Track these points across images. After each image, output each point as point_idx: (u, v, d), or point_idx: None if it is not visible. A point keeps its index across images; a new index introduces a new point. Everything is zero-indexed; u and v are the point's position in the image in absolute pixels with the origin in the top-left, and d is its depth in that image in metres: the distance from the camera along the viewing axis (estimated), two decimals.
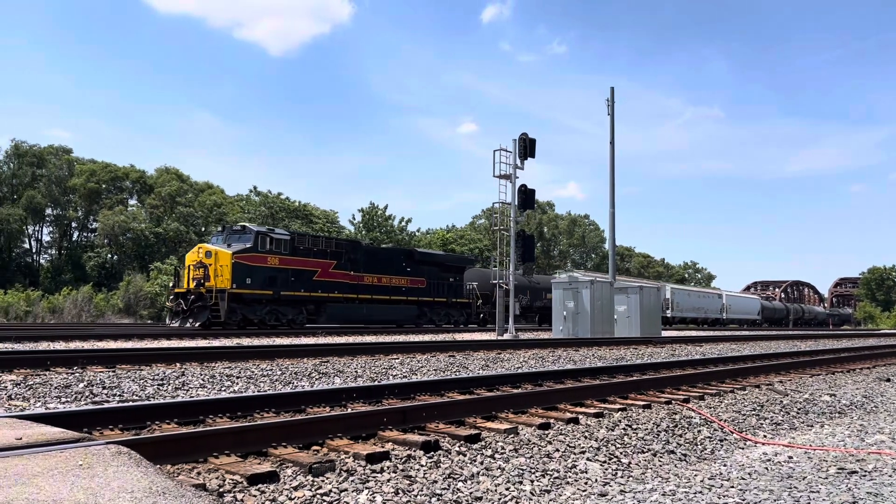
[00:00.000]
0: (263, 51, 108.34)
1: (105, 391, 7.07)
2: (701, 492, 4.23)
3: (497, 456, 4.76)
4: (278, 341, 17.67)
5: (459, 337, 22.94)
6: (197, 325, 23.15)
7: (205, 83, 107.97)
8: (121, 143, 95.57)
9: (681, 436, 6.08)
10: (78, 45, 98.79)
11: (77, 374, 8.36)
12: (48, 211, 57.82)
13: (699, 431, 6.32)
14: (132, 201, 59.51)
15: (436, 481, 4.06)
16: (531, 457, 4.83)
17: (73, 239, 60.40)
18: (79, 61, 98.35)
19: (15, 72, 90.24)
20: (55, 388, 7.17)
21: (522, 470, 4.47)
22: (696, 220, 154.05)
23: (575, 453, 5.08)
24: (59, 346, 13.69)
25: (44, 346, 13.54)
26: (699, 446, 5.84)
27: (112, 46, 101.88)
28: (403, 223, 61.57)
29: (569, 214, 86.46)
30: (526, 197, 24.91)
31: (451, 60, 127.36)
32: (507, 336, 23.54)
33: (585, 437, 5.58)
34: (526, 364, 12.46)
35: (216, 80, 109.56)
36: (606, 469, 4.79)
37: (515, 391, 7.45)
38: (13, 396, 6.57)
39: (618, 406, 6.99)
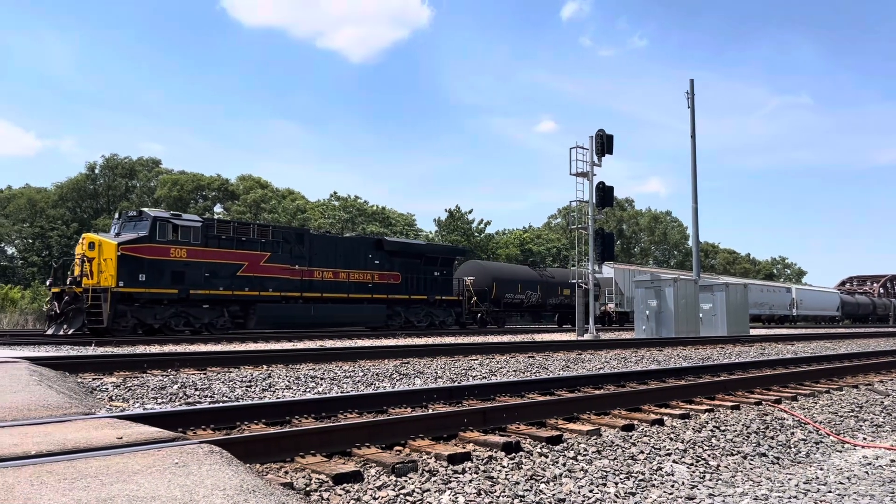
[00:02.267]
0: (344, 59, 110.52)
1: (197, 392, 7.36)
2: (796, 496, 4.06)
3: (580, 457, 4.70)
4: (360, 343, 17.99)
5: (539, 338, 22.78)
6: (70, 331, 18.83)
7: (286, 92, 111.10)
8: (206, 153, 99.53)
9: (772, 438, 5.85)
10: (169, 61, 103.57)
11: (171, 377, 8.74)
12: None
13: (792, 433, 6.07)
14: (217, 209, 61.75)
15: (518, 482, 4.05)
16: (615, 458, 4.75)
17: None
18: (170, 76, 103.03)
19: (112, 88, 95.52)
20: (152, 389, 7.52)
21: (606, 472, 4.40)
22: (784, 213, 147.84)
23: (660, 455, 4.96)
24: (155, 349, 14.34)
25: (140, 349, 14.22)
26: (793, 449, 5.61)
27: (201, 60, 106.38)
28: (482, 225, 61.60)
29: (649, 211, 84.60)
30: (604, 194, 24.50)
31: (527, 59, 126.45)
32: (587, 336, 23.22)
33: (671, 439, 5.44)
34: (608, 365, 12.26)
35: (297, 88, 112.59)
36: (694, 472, 4.66)
37: (597, 392, 7.33)
38: (114, 398, 6.93)
39: (704, 407, 6.79)
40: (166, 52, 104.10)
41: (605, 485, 4.15)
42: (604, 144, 24.20)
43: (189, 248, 21.14)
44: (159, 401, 6.84)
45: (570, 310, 35.45)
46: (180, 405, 6.55)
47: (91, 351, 13.09)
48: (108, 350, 13.51)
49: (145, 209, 22.12)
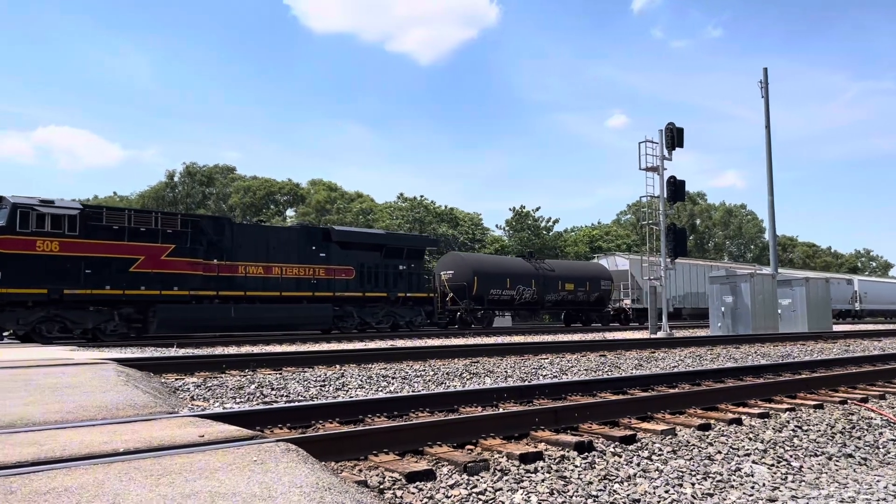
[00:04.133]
0: (414, 61, 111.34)
1: (273, 392, 7.56)
2: (885, 499, 3.88)
3: (654, 457, 4.62)
4: (429, 342, 18.12)
5: (610, 336, 22.45)
6: None
7: (356, 96, 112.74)
8: (279, 158, 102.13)
9: (859, 438, 5.61)
10: (244, 71, 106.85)
11: (249, 376, 9.01)
12: None
13: (881, 433, 5.80)
14: (290, 212, 63.23)
15: (591, 482, 4.00)
16: (691, 459, 4.64)
17: None
18: (244, 85, 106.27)
19: (191, 99, 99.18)
20: (230, 389, 7.77)
21: (682, 472, 4.30)
22: (868, 204, 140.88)
23: (739, 455, 4.82)
24: (233, 350, 14.79)
25: (219, 350, 14.69)
26: (881, 449, 5.36)
27: (274, 69, 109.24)
28: (550, 223, 61.10)
29: (723, 204, 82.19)
30: (675, 189, 23.93)
31: (596, 54, 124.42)
32: (660, 334, 22.74)
33: (750, 439, 5.28)
34: (682, 363, 11.98)
35: (366, 92, 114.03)
36: (775, 473, 4.51)
37: (672, 391, 7.18)
38: (195, 397, 7.19)
39: (785, 406, 6.56)
40: (241, 62, 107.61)
41: (681, 485, 4.06)
42: (674, 138, 23.65)
43: (63, 240, 18.05)
44: (238, 400, 7.05)
45: (576, 307, 33.25)
46: (257, 404, 6.74)
47: (173, 352, 13.61)
48: (190, 351, 14.02)
49: (6, 195, 18.20)
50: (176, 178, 62.37)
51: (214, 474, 2.78)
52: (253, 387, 7.90)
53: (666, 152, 23.77)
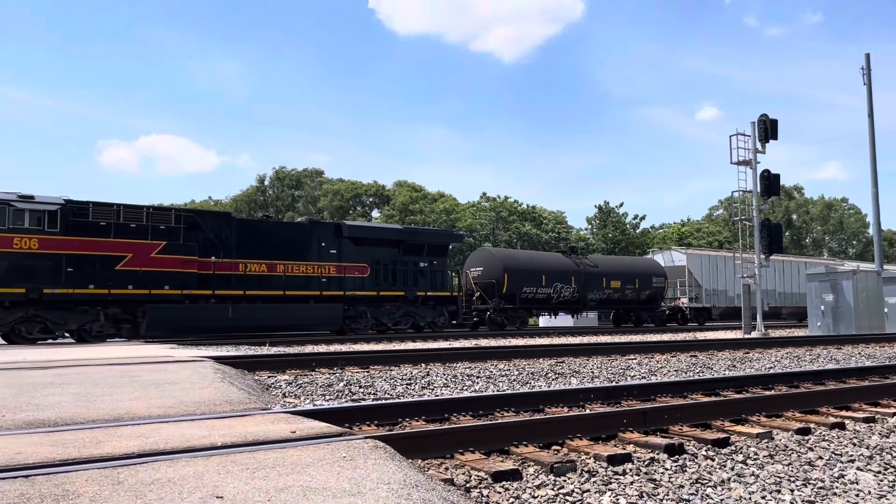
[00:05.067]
0: (497, 60, 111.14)
1: (361, 390, 7.71)
2: None
3: (749, 462, 4.45)
4: (514, 342, 18.06)
5: (702, 336, 21.77)
6: None
7: (439, 97, 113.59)
8: (364, 161, 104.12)
9: None
10: (330, 75, 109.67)
11: (337, 374, 9.22)
12: None
13: None
14: (375, 213, 64.31)
15: (682, 486, 3.89)
16: (789, 464, 4.45)
17: None
18: (331, 89, 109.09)
19: (281, 105, 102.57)
20: (320, 386, 7.98)
21: (780, 477, 4.13)
22: None
23: (842, 461, 4.58)
24: (322, 348, 15.17)
25: (309, 349, 15.10)
26: None
27: (359, 72, 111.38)
28: (637, 220, 59.81)
29: (822, 198, 78.29)
30: (769, 183, 22.96)
31: (685, 45, 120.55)
32: (755, 334, 21.89)
33: (854, 444, 5.01)
34: (778, 364, 11.49)
35: (450, 93, 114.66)
36: (882, 480, 4.26)
37: (767, 393, 6.90)
38: (287, 394, 7.42)
39: (893, 410, 6.20)
40: (328, 67, 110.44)
41: (779, 491, 3.90)
42: (767, 130, 22.69)
43: (42, 237, 17.31)
44: (327, 397, 7.23)
45: (624, 306, 30.99)
46: (346, 402, 6.88)
47: (266, 350, 14.09)
48: (282, 350, 14.47)
49: None
50: (266, 183, 64.51)
51: (306, 469, 2.86)
52: (341, 384, 8.08)
53: (759, 145, 22.86)
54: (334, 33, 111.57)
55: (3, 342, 17.21)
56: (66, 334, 18.14)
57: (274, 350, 14.33)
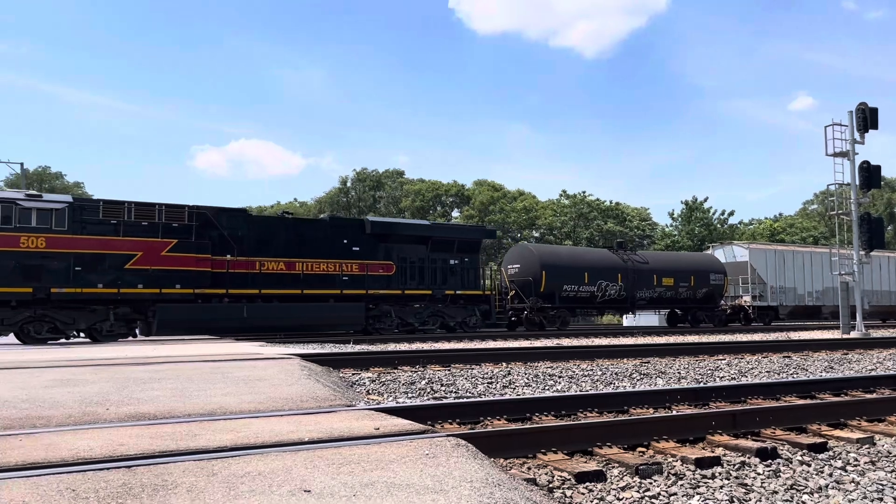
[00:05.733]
0: (579, 55, 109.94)
1: (443, 388, 7.77)
2: None
3: (849, 468, 4.23)
4: (596, 342, 17.79)
5: (795, 336, 20.85)
6: None
7: (519, 95, 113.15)
8: (445, 161, 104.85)
9: None
10: (411, 76, 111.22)
11: (419, 372, 9.31)
12: None
13: None
14: (455, 213, 64.60)
15: (776, 492, 3.74)
16: (893, 471, 4.21)
17: None
18: (413, 90, 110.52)
19: (363, 107, 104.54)
20: (402, 384, 8.08)
21: (882, 485, 3.91)
22: None
23: None
24: (404, 347, 15.36)
25: (392, 347, 15.31)
26: None
27: (440, 72, 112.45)
28: (725, 215, 57.84)
29: None
30: (869, 174, 21.74)
31: (776, 32, 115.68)
32: (854, 334, 20.80)
33: None
34: (881, 366, 10.89)
35: (529, 90, 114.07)
36: None
37: (869, 396, 6.56)
38: (370, 391, 7.55)
39: None
40: (409, 67, 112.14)
41: (881, 500, 3.70)
42: (867, 119, 21.49)
43: (50, 235, 17.19)
44: (409, 395, 7.32)
45: (677, 304, 29.35)
46: (428, 399, 6.95)
47: (350, 349, 14.37)
48: (365, 348, 14.74)
49: None
50: (349, 184, 65.81)
51: (389, 466, 2.90)
52: (423, 382, 8.16)
53: (857, 135, 21.69)
54: (415, 34, 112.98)
55: (18, 342, 17.32)
56: (78, 334, 18.11)
57: (358, 348, 14.60)
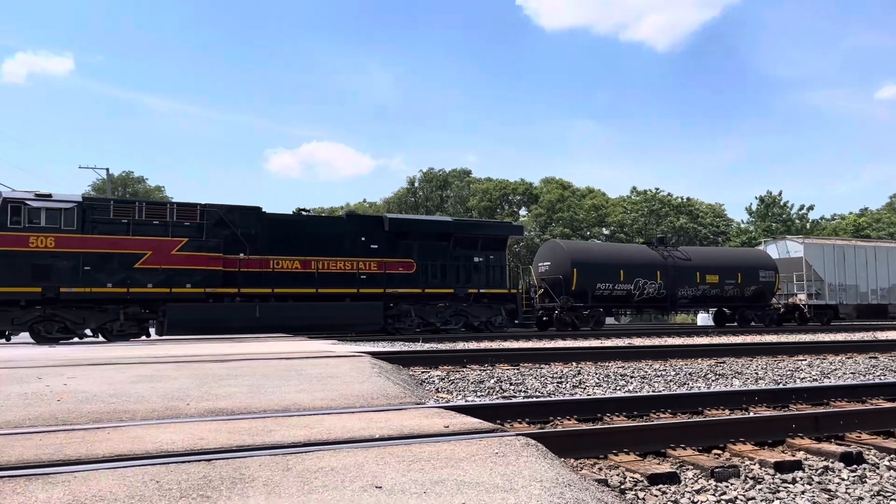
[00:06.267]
0: (650, 48, 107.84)
1: (512, 387, 7.74)
2: None
3: None
4: (670, 341, 17.41)
5: (882, 336, 19.89)
6: None
7: (587, 91, 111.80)
8: (513, 159, 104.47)
9: None
10: (479, 74, 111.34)
11: (488, 371, 9.31)
12: None
13: None
14: (522, 212, 64.26)
15: (861, 498, 3.58)
16: None
17: None
18: (480, 88, 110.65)
19: (431, 108, 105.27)
20: (471, 382, 8.09)
21: None
22: None
23: None
24: (472, 345, 15.38)
25: (460, 346, 15.36)
26: None
27: (507, 70, 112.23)
28: (804, 210, 55.67)
29: None
30: None
31: (857, 20, 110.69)
32: None
33: None
34: None
35: (598, 86, 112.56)
36: None
37: None
38: (439, 389, 7.59)
39: None
40: (477, 66, 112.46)
41: None
42: None
43: (59, 235, 17.20)
44: (478, 393, 7.32)
45: (724, 303, 27.71)
46: (497, 398, 6.94)
47: (419, 347, 14.49)
48: (434, 346, 14.83)
49: (2, 190, 17.57)
50: (416, 184, 66.31)
51: (459, 464, 2.92)
52: (492, 381, 8.16)
53: None
54: (482, 32, 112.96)
55: (32, 341, 17.51)
56: (91, 334, 18.20)
57: (427, 346, 14.71)
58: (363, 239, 20.84)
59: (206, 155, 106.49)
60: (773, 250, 30.64)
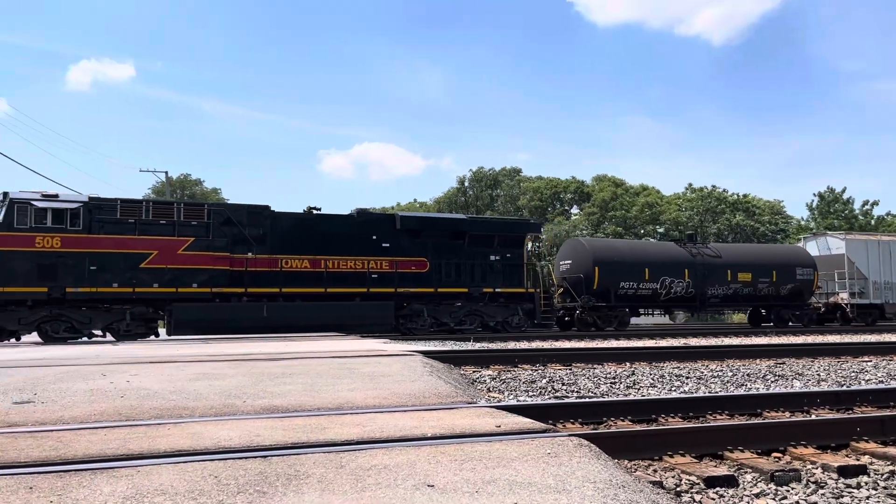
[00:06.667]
0: (705, 42, 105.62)
1: (564, 387, 7.68)
2: None
3: None
4: (727, 341, 17.03)
5: None
6: None
7: (640, 87, 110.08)
8: (564, 157, 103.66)
9: None
10: (529, 71, 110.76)
11: (539, 371, 9.26)
12: None
13: None
14: (574, 210, 63.67)
15: None
16: None
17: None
18: (530, 86, 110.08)
19: (482, 107, 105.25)
20: (523, 382, 8.06)
21: None
22: None
23: None
24: (524, 345, 15.32)
25: (511, 345, 15.31)
26: None
27: (558, 66, 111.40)
28: (867, 206, 53.74)
29: None
30: None
31: None
32: None
33: None
34: None
35: (651, 81, 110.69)
36: None
37: None
38: (491, 389, 7.59)
39: None
40: (528, 64, 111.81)
41: None
42: None
43: (65, 235, 17.30)
44: (530, 393, 7.29)
45: (758, 302, 26.41)
46: (549, 398, 6.89)
47: (470, 346, 14.50)
48: (485, 346, 14.82)
49: (10, 191, 17.54)
50: (466, 184, 66.32)
51: (511, 464, 2.91)
52: (544, 381, 8.11)
53: None
54: (532, 29, 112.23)
55: (41, 341, 17.62)
56: (104, 334, 18.31)
57: (478, 346, 14.70)
58: (374, 237, 20.57)
59: (260, 157, 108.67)
60: (813, 247, 29.20)
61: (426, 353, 10.04)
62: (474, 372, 9.08)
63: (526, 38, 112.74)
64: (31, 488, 2.45)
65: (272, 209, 20.08)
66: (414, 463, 2.90)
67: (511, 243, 22.07)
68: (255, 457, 2.97)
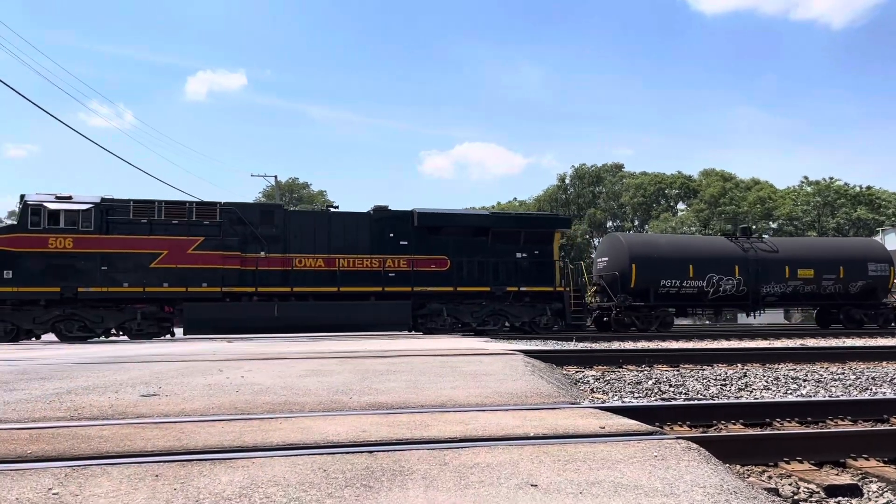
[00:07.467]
0: (824, 26, 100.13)
1: (671, 389, 7.46)
2: None
3: None
4: (848, 342, 16.04)
5: None
6: None
7: (751, 76, 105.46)
8: (669, 151, 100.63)
9: None
10: (637, 64, 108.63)
11: (645, 372, 9.03)
12: (608, 224, 64.19)
13: None
14: (680, 206, 61.65)
15: None
16: None
17: None
18: (636, 79, 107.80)
19: (583, 103, 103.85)
20: (628, 383, 7.89)
21: None
22: None
23: None
24: (629, 345, 14.98)
25: (616, 345, 15.00)
26: None
27: (665, 58, 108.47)
28: None
29: None
30: None
31: None
32: None
33: None
34: None
35: (763, 70, 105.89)
36: None
37: None
38: (594, 389, 7.46)
39: None
40: (631, 57, 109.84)
41: None
42: None
43: (77, 236, 17.73)
44: (635, 394, 7.12)
45: (823, 301, 24.00)
46: (655, 400, 6.71)
47: (573, 346, 14.32)
48: (588, 346, 14.59)
49: (26, 193, 18.07)
50: (567, 181, 65.49)
51: (616, 465, 2.85)
52: (650, 382, 7.90)
53: None
54: (634, 20, 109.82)
55: (56, 339, 18.11)
56: (118, 333, 18.60)
57: (581, 346, 14.50)
58: (391, 235, 20.21)
59: (364, 159, 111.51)
60: (892, 240, 26.46)
61: (527, 353, 9.99)
62: (577, 372, 8.96)
63: (628, 31, 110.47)
64: (157, 476, 2.61)
65: (285, 208, 20.09)
66: (517, 462, 2.90)
67: (539, 239, 21.30)
68: (362, 451, 3.05)
